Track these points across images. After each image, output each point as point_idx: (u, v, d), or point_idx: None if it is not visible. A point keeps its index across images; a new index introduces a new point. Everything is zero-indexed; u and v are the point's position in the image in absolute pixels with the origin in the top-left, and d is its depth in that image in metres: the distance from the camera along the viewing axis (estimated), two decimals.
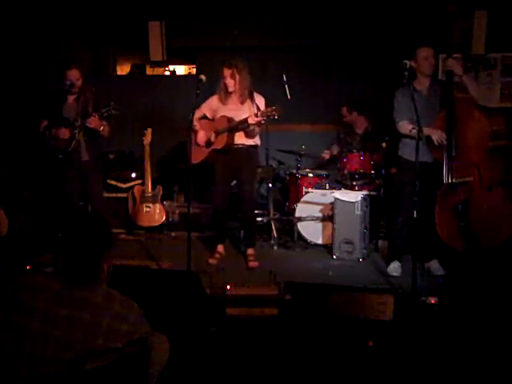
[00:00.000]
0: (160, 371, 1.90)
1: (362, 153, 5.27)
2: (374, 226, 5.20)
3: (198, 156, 4.65)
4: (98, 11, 6.34)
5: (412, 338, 3.13)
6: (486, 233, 3.97)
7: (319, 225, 5.21)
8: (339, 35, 6.17)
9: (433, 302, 3.52)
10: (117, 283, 1.97)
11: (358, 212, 4.82)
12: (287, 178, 5.89)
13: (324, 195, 5.19)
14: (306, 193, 5.30)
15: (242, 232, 5.13)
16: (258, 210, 5.59)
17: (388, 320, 3.23)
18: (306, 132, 6.25)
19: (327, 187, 5.28)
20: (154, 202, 5.64)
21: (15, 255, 4.52)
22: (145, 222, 5.64)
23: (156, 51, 6.44)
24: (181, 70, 8.49)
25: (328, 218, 5.10)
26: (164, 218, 5.66)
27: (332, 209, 4.98)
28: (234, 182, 4.79)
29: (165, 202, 5.78)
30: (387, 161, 5.30)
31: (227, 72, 4.42)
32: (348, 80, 6.30)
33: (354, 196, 4.88)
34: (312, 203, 5.23)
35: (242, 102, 4.49)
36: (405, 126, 4.18)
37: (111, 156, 6.20)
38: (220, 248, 4.81)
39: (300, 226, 5.25)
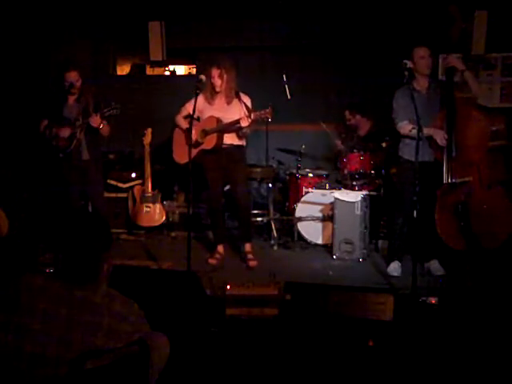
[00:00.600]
0: (160, 371, 1.89)
1: (362, 153, 5.26)
2: (374, 226, 5.19)
3: (185, 156, 4.37)
4: (98, 11, 6.35)
5: (412, 338, 3.13)
6: (485, 233, 3.97)
7: (319, 225, 5.21)
8: (339, 35, 6.16)
9: (433, 301, 3.52)
10: (117, 283, 1.97)
11: (358, 212, 4.82)
12: (287, 177, 5.89)
13: (324, 195, 5.19)
14: (306, 193, 5.30)
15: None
16: (257, 210, 5.60)
17: (388, 320, 3.23)
18: (306, 132, 6.25)
19: (327, 187, 5.28)
20: (153, 202, 5.64)
21: (15, 255, 4.52)
22: (145, 222, 5.65)
23: (156, 51, 6.44)
24: (181, 70, 8.47)
25: (328, 217, 5.11)
26: (164, 218, 5.66)
27: (332, 209, 4.99)
28: (228, 187, 4.79)
29: (165, 202, 5.79)
30: (387, 161, 5.29)
31: (215, 72, 4.43)
32: (348, 80, 6.29)
33: (354, 196, 4.88)
34: (312, 203, 5.23)
35: (229, 103, 4.49)
36: (405, 126, 4.18)
37: (111, 156, 6.19)
38: (220, 248, 4.81)
39: (300, 225, 5.26)
